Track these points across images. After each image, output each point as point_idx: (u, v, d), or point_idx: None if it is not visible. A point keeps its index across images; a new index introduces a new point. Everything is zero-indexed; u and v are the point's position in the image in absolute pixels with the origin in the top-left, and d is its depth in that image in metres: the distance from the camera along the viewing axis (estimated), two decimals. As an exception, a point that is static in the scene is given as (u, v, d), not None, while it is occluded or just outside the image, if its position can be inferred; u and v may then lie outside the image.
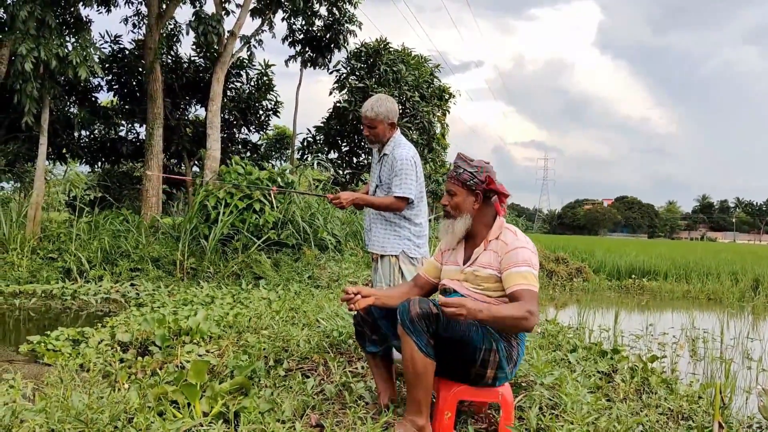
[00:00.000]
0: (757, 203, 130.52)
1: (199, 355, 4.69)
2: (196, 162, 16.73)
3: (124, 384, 3.77)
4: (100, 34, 16.71)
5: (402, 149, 4.08)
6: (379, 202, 4.10)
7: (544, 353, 4.72)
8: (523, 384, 3.77)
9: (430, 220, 4.19)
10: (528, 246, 2.96)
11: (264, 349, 4.63)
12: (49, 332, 5.54)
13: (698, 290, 12.65)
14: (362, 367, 4.09)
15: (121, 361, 4.67)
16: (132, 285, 9.20)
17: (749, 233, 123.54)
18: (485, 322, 2.72)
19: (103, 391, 2.84)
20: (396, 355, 3.41)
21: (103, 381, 3.47)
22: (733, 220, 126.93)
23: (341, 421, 2.98)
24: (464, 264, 3.10)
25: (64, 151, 15.89)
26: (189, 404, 3.06)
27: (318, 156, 17.77)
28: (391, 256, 4.13)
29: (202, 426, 2.48)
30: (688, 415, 3.79)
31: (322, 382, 3.78)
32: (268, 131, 19.27)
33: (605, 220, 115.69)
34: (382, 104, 4.10)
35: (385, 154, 4.16)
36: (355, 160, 18.58)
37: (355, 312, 3.14)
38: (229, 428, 2.68)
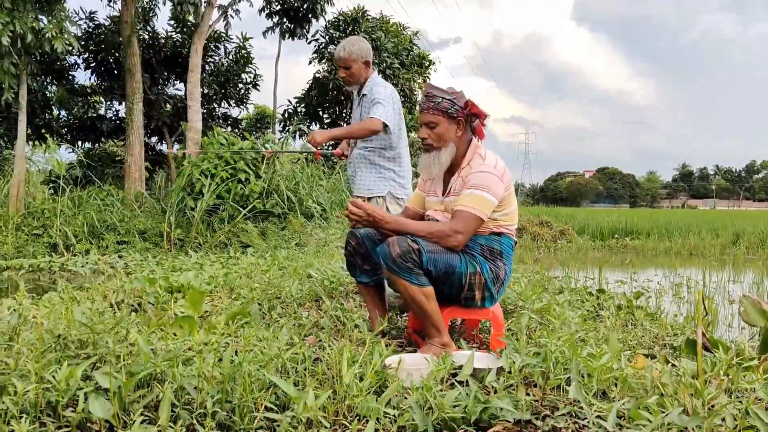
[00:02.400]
0: (736, 170, 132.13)
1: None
2: (177, 138, 16.64)
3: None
4: (75, 11, 16.47)
5: (380, 87, 4.10)
6: (356, 127, 4.02)
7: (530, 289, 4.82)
8: (511, 311, 3.86)
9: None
10: (490, 170, 2.97)
11: (257, 298, 4.69)
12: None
13: (680, 246, 12.84)
14: (355, 305, 4.16)
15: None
16: (119, 257, 9.20)
17: (729, 199, 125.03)
18: (393, 232, 2.90)
19: (105, 309, 2.89)
20: (388, 289, 3.48)
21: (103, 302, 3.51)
22: (713, 188, 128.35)
23: (338, 340, 3.05)
24: (443, 195, 3.15)
25: (43, 131, 15.74)
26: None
27: (300, 125, 17.72)
28: (378, 197, 4.19)
29: (205, 344, 2.53)
30: (672, 340, 3.90)
31: (316, 317, 3.86)
32: (248, 106, 19.19)
33: (587, 192, 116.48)
34: (354, 43, 4.11)
35: (364, 95, 4.18)
36: (337, 131, 18.54)
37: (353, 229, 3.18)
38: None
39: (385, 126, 3.97)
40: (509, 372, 2.34)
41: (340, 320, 3.63)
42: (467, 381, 2.33)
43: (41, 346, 1.99)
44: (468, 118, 3.06)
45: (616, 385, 2.36)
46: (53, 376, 1.93)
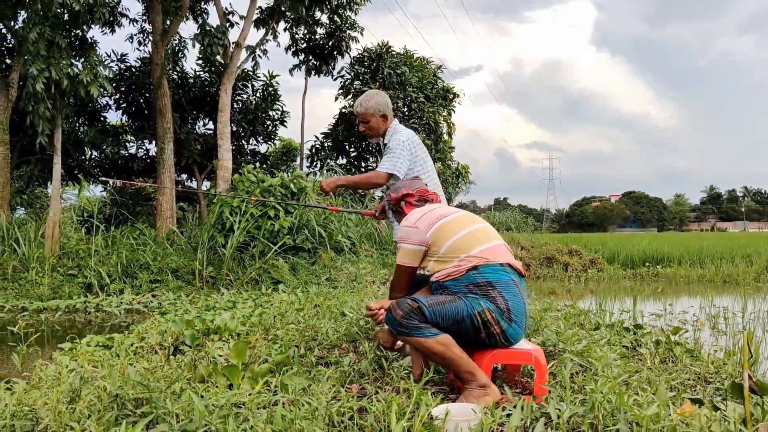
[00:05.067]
0: (765, 191, 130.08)
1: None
2: (206, 176, 16.89)
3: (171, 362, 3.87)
4: (107, 54, 16.93)
5: (397, 134, 4.26)
6: (360, 179, 4.37)
7: (568, 328, 4.79)
8: (552, 352, 3.85)
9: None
10: (405, 222, 3.31)
11: (293, 340, 4.72)
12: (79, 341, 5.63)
13: (713, 273, 12.66)
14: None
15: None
16: (153, 296, 9.33)
17: (759, 221, 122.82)
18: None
19: (158, 362, 2.94)
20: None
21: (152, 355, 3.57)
22: (743, 210, 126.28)
23: (382, 388, 3.07)
24: None
25: (76, 171, 16.08)
26: (231, 386, 3.16)
27: (328, 162, 17.92)
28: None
29: (250, 394, 2.57)
30: (714, 379, 3.85)
31: (355, 362, 3.87)
32: (275, 142, 19.45)
33: (614, 216, 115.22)
34: (370, 98, 4.29)
35: (385, 144, 4.34)
36: (363, 164, 18.74)
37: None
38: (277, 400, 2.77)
39: (393, 175, 4.16)
40: (557, 422, 2.33)
41: (380, 364, 3.64)
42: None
43: (101, 406, 2.04)
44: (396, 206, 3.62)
45: (665, 434, 2.34)
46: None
